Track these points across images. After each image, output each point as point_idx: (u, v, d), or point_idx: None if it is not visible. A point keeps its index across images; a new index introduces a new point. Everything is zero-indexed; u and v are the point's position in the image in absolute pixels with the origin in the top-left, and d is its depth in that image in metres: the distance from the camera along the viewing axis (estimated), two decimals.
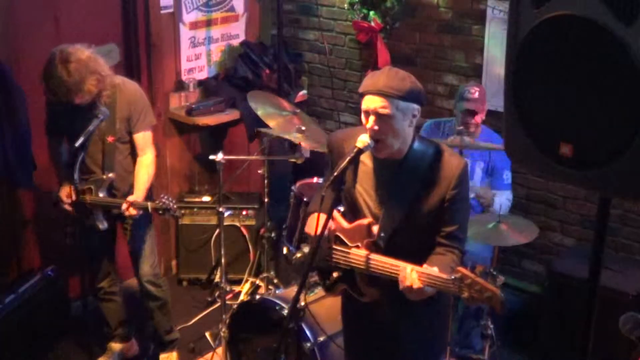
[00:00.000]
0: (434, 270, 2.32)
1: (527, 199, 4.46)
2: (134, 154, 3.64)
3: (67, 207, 3.58)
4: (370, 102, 2.41)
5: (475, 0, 4.41)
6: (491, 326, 3.73)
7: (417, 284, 2.32)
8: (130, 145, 3.62)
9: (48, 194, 3.91)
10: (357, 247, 2.53)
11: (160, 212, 3.47)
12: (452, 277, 2.25)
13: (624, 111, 1.65)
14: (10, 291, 3.82)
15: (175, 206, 3.46)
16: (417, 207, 2.47)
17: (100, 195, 3.52)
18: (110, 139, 3.52)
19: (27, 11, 3.95)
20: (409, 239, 2.49)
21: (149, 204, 3.46)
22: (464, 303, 2.49)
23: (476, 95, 3.88)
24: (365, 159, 2.54)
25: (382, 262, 2.45)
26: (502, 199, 4.06)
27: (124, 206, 3.46)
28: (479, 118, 3.90)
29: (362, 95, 2.46)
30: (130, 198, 3.49)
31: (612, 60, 1.63)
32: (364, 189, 2.56)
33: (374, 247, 2.49)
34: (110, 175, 3.53)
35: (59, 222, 3.76)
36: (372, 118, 2.41)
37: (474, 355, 3.91)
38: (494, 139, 3.99)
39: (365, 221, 2.53)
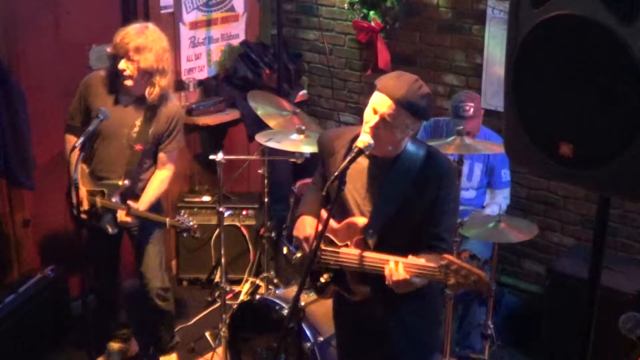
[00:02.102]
0: (420, 260, 2.33)
1: (527, 199, 4.46)
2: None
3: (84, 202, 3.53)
4: (382, 105, 2.38)
5: (475, 0, 4.41)
6: (491, 326, 3.73)
7: (403, 275, 2.32)
8: (154, 158, 3.60)
9: (49, 193, 3.91)
10: (346, 245, 2.53)
11: (178, 230, 3.47)
12: (439, 264, 2.25)
13: (623, 111, 1.65)
14: (10, 291, 3.81)
15: (195, 226, 3.44)
16: (406, 207, 2.47)
17: (112, 200, 3.49)
18: (138, 147, 3.49)
19: (26, 11, 3.95)
20: (397, 238, 2.49)
21: (167, 220, 3.46)
22: (450, 290, 2.48)
23: (471, 112, 3.87)
24: (358, 158, 2.51)
25: (372, 258, 2.45)
26: (500, 199, 4.06)
27: (121, 213, 3.46)
28: (475, 131, 3.89)
29: (377, 89, 2.42)
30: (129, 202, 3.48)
31: (612, 60, 1.63)
32: (354, 187, 2.55)
33: (363, 244, 2.50)
34: (126, 182, 3.49)
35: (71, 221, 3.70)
36: (376, 118, 2.39)
37: (474, 355, 3.91)
38: (493, 139, 3.99)
39: (359, 222, 2.51)
